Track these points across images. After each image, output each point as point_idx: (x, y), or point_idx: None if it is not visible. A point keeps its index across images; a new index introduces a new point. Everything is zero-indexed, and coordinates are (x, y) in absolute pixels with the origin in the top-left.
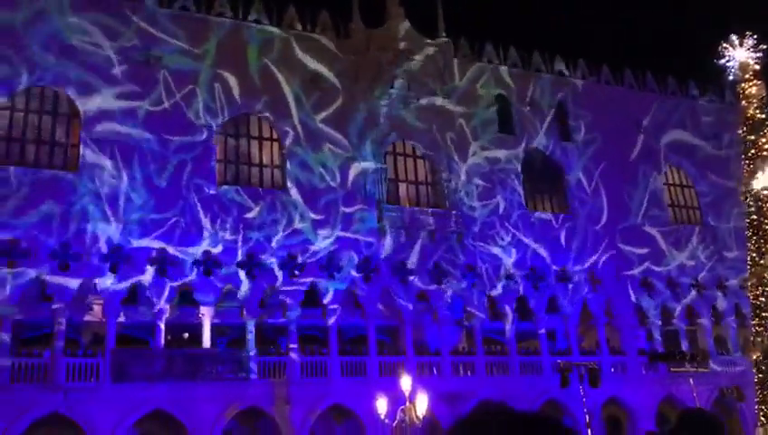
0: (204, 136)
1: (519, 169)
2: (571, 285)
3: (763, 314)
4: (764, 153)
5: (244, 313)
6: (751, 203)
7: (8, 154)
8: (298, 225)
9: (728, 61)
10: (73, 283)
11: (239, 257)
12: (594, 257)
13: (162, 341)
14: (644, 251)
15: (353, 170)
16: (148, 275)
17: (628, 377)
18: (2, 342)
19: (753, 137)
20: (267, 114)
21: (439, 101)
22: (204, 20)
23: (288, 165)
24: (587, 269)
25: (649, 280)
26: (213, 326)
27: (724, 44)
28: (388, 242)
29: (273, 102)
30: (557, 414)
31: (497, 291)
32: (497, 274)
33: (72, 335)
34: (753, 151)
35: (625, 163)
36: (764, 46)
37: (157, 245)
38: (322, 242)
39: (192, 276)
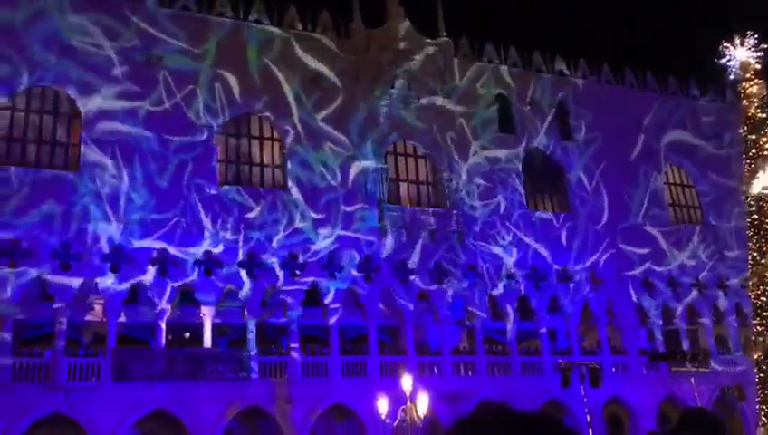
0: (204, 136)
1: (520, 169)
2: (572, 285)
3: (764, 314)
4: (765, 153)
5: (245, 312)
6: (752, 202)
7: (9, 154)
8: (299, 224)
9: (729, 60)
10: (74, 283)
11: (240, 257)
12: (595, 257)
13: (163, 341)
14: (645, 251)
15: (354, 169)
16: (149, 274)
17: (630, 377)
18: (3, 341)
19: (753, 136)
20: (268, 114)
21: (440, 100)
22: (204, 20)
23: (289, 164)
24: (588, 269)
25: (650, 280)
26: (214, 326)
27: (725, 44)
28: (389, 242)
29: (274, 102)
30: (558, 414)
31: (498, 290)
32: (498, 273)
33: (74, 335)
34: (754, 151)
35: (625, 163)
36: (765, 46)
37: (158, 245)
38: (323, 241)
39: (193, 276)
